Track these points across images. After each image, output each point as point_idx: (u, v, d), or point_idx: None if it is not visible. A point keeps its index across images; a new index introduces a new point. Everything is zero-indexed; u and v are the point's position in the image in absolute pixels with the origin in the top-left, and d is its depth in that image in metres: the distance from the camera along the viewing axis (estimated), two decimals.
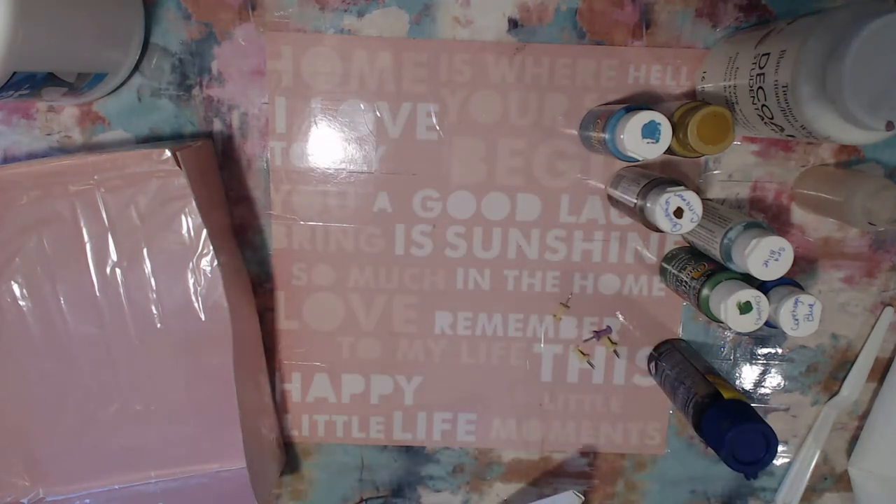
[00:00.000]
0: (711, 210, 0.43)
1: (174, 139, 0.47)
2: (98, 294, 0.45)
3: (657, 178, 0.42)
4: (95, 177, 0.43)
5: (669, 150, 0.39)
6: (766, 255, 0.38)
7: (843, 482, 0.54)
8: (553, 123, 0.48)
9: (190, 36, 0.46)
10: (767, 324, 0.40)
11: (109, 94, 0.46)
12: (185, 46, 0.46)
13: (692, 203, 0.39)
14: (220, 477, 0.49)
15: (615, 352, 0.51)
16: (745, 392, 0.52)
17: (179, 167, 0.41)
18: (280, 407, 0.52)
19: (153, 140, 0.47)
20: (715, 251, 0.41)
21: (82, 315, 0.45)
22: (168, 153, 0.40)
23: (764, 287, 0.41)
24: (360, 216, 0.49)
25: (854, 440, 0.53)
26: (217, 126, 0.47)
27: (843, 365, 0.52)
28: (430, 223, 0.49)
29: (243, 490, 0.44)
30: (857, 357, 0.51)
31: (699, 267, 0.44)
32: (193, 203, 0.42)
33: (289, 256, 0.49)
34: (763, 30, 0.39)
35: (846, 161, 0.48)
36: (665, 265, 0.49)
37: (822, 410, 0.52)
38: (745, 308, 0.39)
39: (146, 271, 0.45)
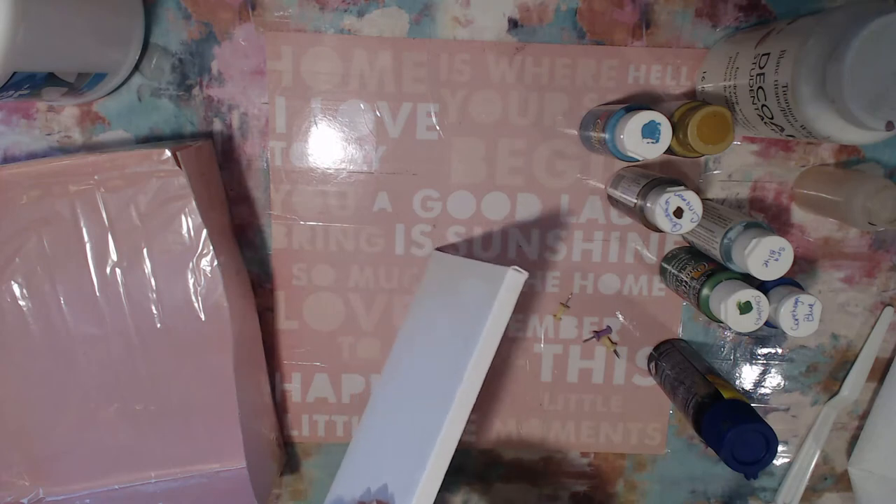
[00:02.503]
0: (711, 210, 0.43)
1: (174, 139, 0.47)
2: (98, 294, 0.45)
3: (657, 178, 0.42)
4: (95, 177, 0.43)
5: (669, 150, 0.39)
6: (766, 255, 0.38)
7: (843, 482, 0.54)
8: (553, 123, 0.48)
9: (190, 36, 0.46)
10: (767, 324, 0.40)
11: (109, 94, 0.46)
12: (185, 46, 0.46)
13: (692, 203, 0.39)
14: (220, 477, 0.49)
15: (615, 352, 0.51)
16: (745, 392, 0.52)
17: (179, 167, 0.41)
18: (280, 407, 0.52)
19: (153, 140, 0.47)
20: (715, 251, 0.41)
21: (82, 315, 0.45)
22: (168, 153, 0.40)
23: (764, 287, 0.41)
24: (360, 216, 0.49)
25: (854, 440, 0.53)
26: (217, 126, 0.47)
27: (843, 365, 0.52)
28: (430, 223, 0.49)
29: (243, 490, 0.44)
30: (857, 357, 0.51)
31: (699, 267, 0.44)
32: (193, 203, 0.42)
33: (289, 256, 0.49)
34: (763, 30, 0.39)
35: (846, 161, 0.48)
36: (665, 265, 0.49)
37: (822, 410, 0.52)
38: (745, 308, 0.39)
39: (146, 271, 0.45)
